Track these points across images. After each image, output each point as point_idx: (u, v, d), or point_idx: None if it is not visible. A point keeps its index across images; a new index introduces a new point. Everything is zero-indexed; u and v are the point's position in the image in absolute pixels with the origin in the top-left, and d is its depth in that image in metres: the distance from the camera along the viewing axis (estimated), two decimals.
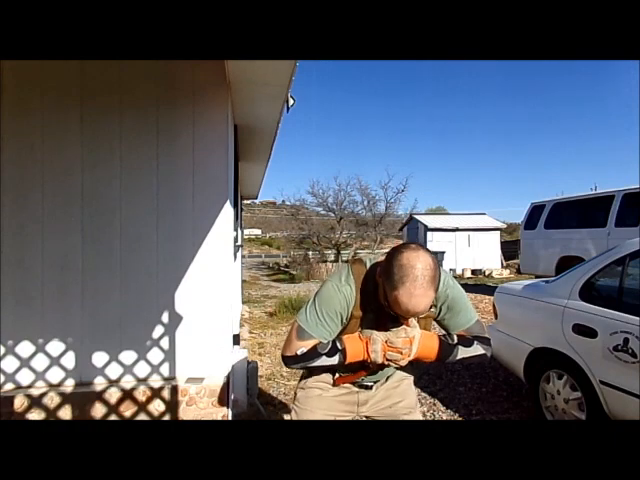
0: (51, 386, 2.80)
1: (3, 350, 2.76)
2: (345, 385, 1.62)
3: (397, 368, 1.52)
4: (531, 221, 9.49)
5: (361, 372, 1.56)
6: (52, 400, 2.73)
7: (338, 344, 1.43)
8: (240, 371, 3.24)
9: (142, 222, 2.90)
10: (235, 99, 3.25)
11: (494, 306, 3.76)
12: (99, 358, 2.85)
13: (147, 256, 2.90)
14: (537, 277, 7.88)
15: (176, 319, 2.92)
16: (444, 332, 1.56)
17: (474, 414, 3.47)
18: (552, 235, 8.84)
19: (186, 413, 2.84)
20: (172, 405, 2.83)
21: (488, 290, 9.59)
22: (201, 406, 2.85)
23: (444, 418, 3.42)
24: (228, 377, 2.95)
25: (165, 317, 2.91)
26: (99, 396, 2.77)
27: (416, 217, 19.66)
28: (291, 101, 3.52)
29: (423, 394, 3.81)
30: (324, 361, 1.43)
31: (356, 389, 1.62)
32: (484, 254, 17.86)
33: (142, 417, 2.81)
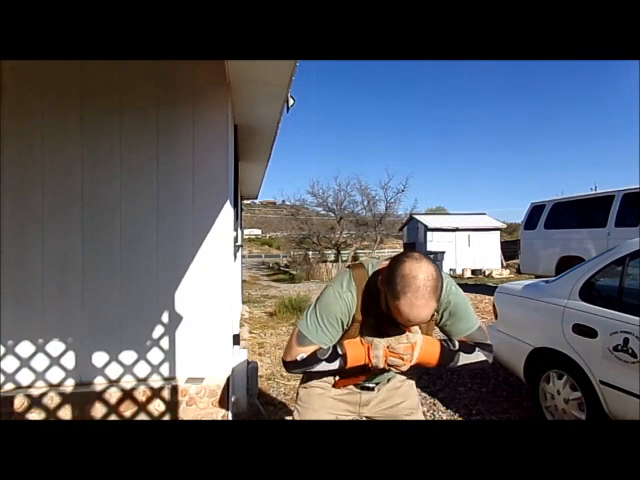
0: (51, 386, 2.80)
1: (3, 350, 2.76)
2: (347, 386, 1.62)
3: (398, 373, 1.53)
4: (531, 221, 9.48)
5: (361, 376, 1.57)
6: (52, 400, 2.73)
7: (339, 349, 1.44)
8: (240, 371, 3.24)
9: (142, 222, 2.90)
10: (235, 99, 3.25)
11: (494, 306, 3.76)
12: (99, 358, 2.85)
13: (147, 256, 2.90)
14: (537, 277, 7.88)
15: (176, 319, 2.92)
16: (446, 337, 1.56)
17: (474, 414, 3.47)
18: (552, 235, 8.84)
19: (186, 413, 2.84)
20: (172, 405, 2.83)
21: (488, 290, 9.59)
22: (201, 406, 2.85)
23: (444, 418, 3.42)
24: (228, 377, 2.95)
25: (165, 317, 2.91)
26: (99, 396, 2.77)
27: (416, 217, 19.66)
28: (291, 101, 3.52)
29: (423, 394, 3.80)
30: (324, 366, 1.44)
31: (358, 390, 1.62)
32: (484, 254, 17.87)
33: (142, 417, 2.81)
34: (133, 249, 2.89)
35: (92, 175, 2.85)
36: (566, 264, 7.10)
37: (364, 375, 1.56)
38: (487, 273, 15.64)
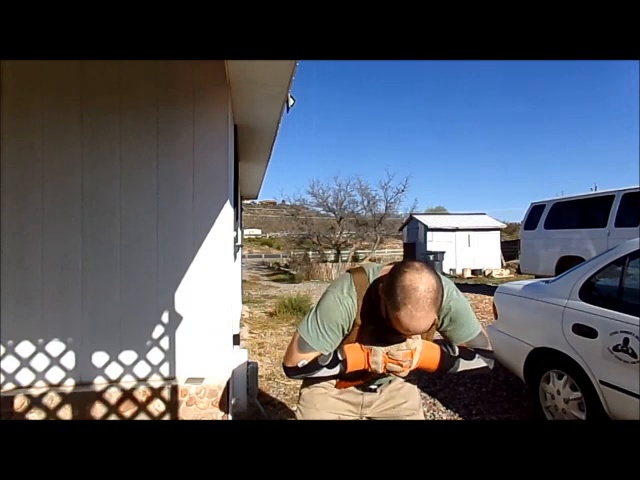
0: (51, 386, 2.80)
1: (3, 350, 2.76)
2: (348, 388, 1.63)
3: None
4: (531, 221, 9.48)
5: (361, 380, 1.57)
6: (52, 400, 2.73)
7: (339, 355, 1.44)
8: (240, 371, 3.24)
9: (142, 222, 2.90)
10: (235, 99, 3.25)
11: (494, 306, 3.76)
12: (99, 358, 2.85)
13: (147, 256, 2.90)
14: (537, 277, 7.88)
15: (176, 319, 2.92)
16: (446, 341, 1.56)
17: (474, 414, 3.47)
18: (552, 235, 8.84)
19: (186, 413, 2.84)
20: (172, 405, 2.83)
21: (488, 290, 9.59)
22: (201, 406, 2.85)
23: (444, 418, 3.42)
24: (228, 378, 2.95)
25: (165, 317, 2.91)
26: (99, 396, 2.77)
27: (416, 217, 19.66)
28: (291, 101, 3.52)
29: (423, 394, 3.80)
30: (325, 372, 1.45)
31: (360, 392, 1.63)
32: (484, 254, 17.87)
33: (142, 417, 2.81)
34: (133, 249, 2.89)
35: (92, 175, 2.85)
36: (566, 264, 7.10)
37: (364, 379, 1.57)
38: (487, 273, 15.64)
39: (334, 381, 1.62)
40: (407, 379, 1.67)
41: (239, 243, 6.48)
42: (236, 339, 3.36)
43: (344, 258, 20.32)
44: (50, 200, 2.82)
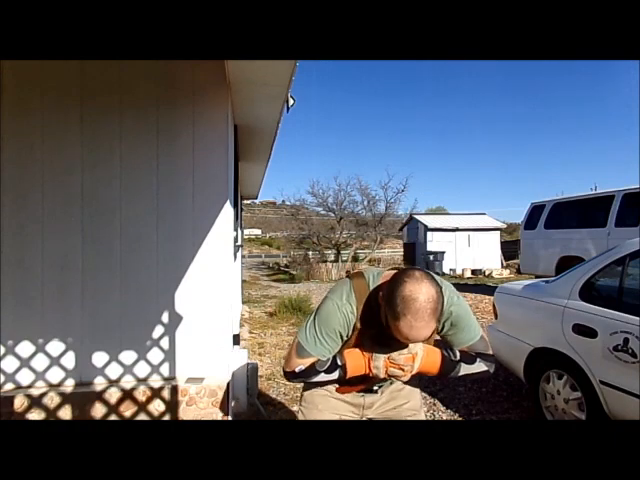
0: (51, 386, 2.80)
1: (3, 350, 2.76)
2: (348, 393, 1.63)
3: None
4: (531, 221, 9.48)
5: (361, 385, 1.57)
6: (52, 400, 2.73)
7: (338, 360, 1.45)
8: (240, 371, 3.24)
9: (142, 222, 2.90)
10: (235, 99, 3.25)
11: (494, 306, 3.76)
12: (99, 358, 2.85)
13: (147, 256, 2.90)
14: (537, 277, 7.88)
15: (176, 319, 2.92)
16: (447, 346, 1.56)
17: (474, 414, 3.47)
18: (552, 235, 8.84)
19: (186, 413, 2.84)
20: (172, 405, 2.83)
21: (488, 290, 9.59)
22: (201, 406, 2.85)
23: (444, 418, 3.42)
24: (228, 378, 2.95)
25: (165, 317, 2.91)
26: (99, 396, 2.77)
27: (416, 217, 19.66)
28: (291, 101, 3.52)
29: (423, 394, 3.80)
30: (323, 377, 1.45)
31: (361, 393, 1.63)
32: (484, 254, 17.86)
33: (142, 417, 2.81)
34: (133, 249, 2.89)
35: (92, 175, 2.85)
36: (566, 264, 7.10)
37: (364, 384, 1.57)
38: (487, 273, 15.64)
39: (335, 385, 1.62)
40: (408, 383, 1.67)
41: (239, 243, 6.48)
42: (236, 339, 3.36)
43: (344, 258, 20.32)
44: (50, 200, 2.82)
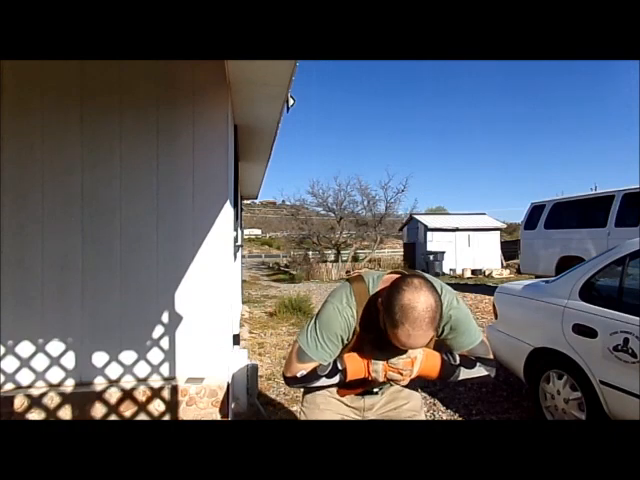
0: (51, 386, 2.80)
1: (3, 350, 2.76)
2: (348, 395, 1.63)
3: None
4: (531, 221, 9.48)
5: (361, 388, 1.57)
6: (52, 400, 2.73)
7: (339, 364, 1.45)
8: (240, 371, 3.24)
9: (142, 222, 2.90)
10: (235, 99, 3.25)
11: (494, 306, 3.76)
12: (99, 358, 2.85)
13: (147, 256, 2.90)
14: (537, 277, 7.87)
15: (176, 319, 2.92)
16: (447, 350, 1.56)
17: (474, 414, 3.47)
18: (552, 235, 8.84)
19: (186, 413, 2.84)
20: (172, 405, 2.83)
21: (488, 290, 9.59)
22: (201, 406, 2.85)
23: (444, 418, 3.42)
24: (228, 378, 2.95)
25: (165, 317, 2.91)
26: (99, 396, 2.77)
27: (416, 217, 19.66)
28: (291, 101, 3.52)
29: (423, 394, 3.80)
30: (324, 382, 1.46)
31: (360, 396, 1.63)
32: (484, 254, 17.87)
33: (142, 417, 2.81)
34: (133, 249, 2.89)
35: (92, 175, 2.85)
36: (566, 264, 7.10)
37: (364, 387, 1.57)
38: (487, 273, 15.64)
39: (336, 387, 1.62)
40: (408, 386, 1.67)
41: (239, 243, 6.48)
42: (236, 339, 3.36)
43: (344, 258, 20.33)
44: (50, 200, 2.82)
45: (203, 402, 2.85)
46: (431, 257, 16.68)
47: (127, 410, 2.80)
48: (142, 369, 2.89)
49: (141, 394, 2.81)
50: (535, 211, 9.41)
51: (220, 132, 2.96)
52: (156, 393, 2.83)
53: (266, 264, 28.31)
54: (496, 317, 3.73)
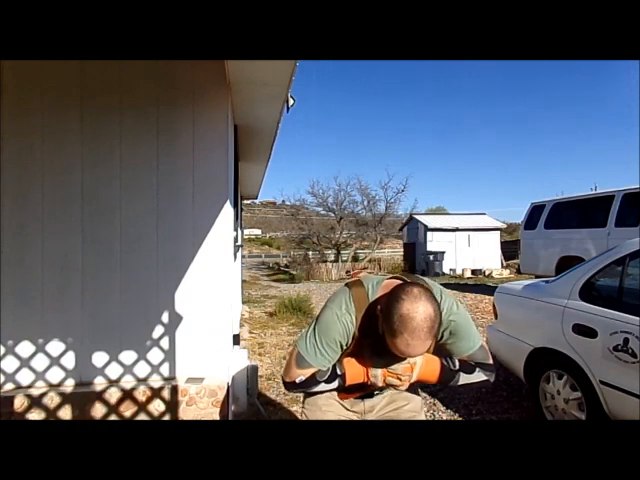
0: (51, 386, 2.80)
1: (3, 350, 2.76)
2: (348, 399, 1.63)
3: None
4: (531, 221, 9.48)
5: (360, 392, 1.58)
6: (52, 400, 2.73)
7: (338, 369, 1.45)
8: (240, 371, 3.24)
9: (142, 222, 2.90)
10: (235, 99, 3.25)
11: (494, 306, 3.76)
12: (99, 358, 2.85)
13: (147, 256, 2.90)
14: (537, 277, 7.87)
15: (176, 319, 2.92)
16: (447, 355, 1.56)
17: (474, 414, 3.47)
18: (552, 235, 8.84)
19: (186, 413, 2.84)
20: (172, 405, 2.83)
21: (488, 290, 9.59)
22: (201, 406, 2.85)
23: (444, 418, 3.42)
24: (228, 378, 2.96)
25: (165, 317, 2.91)
26: (99, 396, 2.77)
27: (416, 217, 19.66)
28: (291, 101, 3.52)
29: (423, 394, 3.81)
30: (323, 387, 1.46)
31: (359, 399, 1.63)
32: (484, 254, 17.86)
33: (142, 417, 2.81)
34: (133, 249, 2.89)
35: (92, 175, 2.85)
36: (566, 264, 7.09)
37: (363, 391, 1.57)
38: (487, 273, 15.63)
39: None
40: (407, 389, 1.67)
41: (239, 243, 6.48)
42: (236, 339, 3.36)
43: (344, 258, 20.33)
44: (50, 200, 2.82)
45: (203, 402, 2.85)
46: (431, 257, 16.68)
47: (127, 410, 2.80)
48: (142, 369, 2.89)
49: (141, 394, 2.81)
50: (535, 211, 9.41)
51: (220, 132, 2.96)
52: (156, 393, 2.83)
53: (266, 264, 28.32)
54: (496, 317, 3.73)
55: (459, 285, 12.03)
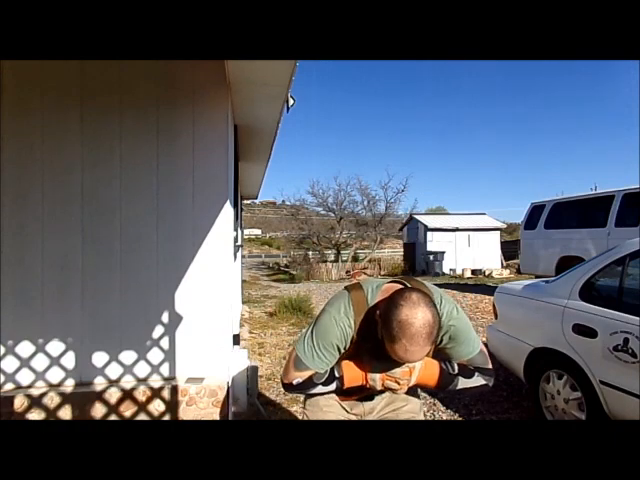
0: (51, 386, 2.80)
1: (3, 350, 2.76)
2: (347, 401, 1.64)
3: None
4: (531, 221, 9.48)
5: (359, 394, 1.58)
6: (52, 400, 2.73)
7: (336, 372, 1.46)
8: (240, 371, 3.24)
9: (142, 222, 2.90)
10: (235, 99, 3.25)
11: (494, 306, 3.76)
12: (99, 358, 2.85)
13: (147, 256, 2.90)
14: (537, 277, 7.87)
15: (176, 319, 2.92)
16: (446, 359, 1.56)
17: (474, 414, 3.47)
18: (552, 235, 8.83)
19: (186, 413, 2.84)
20: (172, 405, 2.83)
21: (488, 290, 9.58)
22: (201, 406, 2.85)
23: (444, 418, 3.42)
24: (228, 378, 2.96)
25: (165, 317, 2.91)
26: (99, 396, 2.77)
27: (416, 217, 19.67)
28: (291, 101, 3.52)
29: (423, 394, 3.80)
30: (321, 389, 1.47)
31: (359, 402, 1.63)
32: (484, 254, 17.87)
33: (142, 417, 2.81)
34: (133, 249, 2.89)
35: (92, 175, 2.85)
36: (566, 264, 7.09)
37: (362, 394, 1.57)
38: (487, 273, 15.63)
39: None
40: (406, 392, 1.67)
41: (239, 243, 6.48)
42: (236, 339, 3.36)
43: (344, 258, 20.34)
44: (50, 200, 2.82)
45: (203, 402, 2.85)
46: (431, 257, 16.69)
47: (127, 410, 2.80)
48: (142, 369, 2.89)
49: (141, 394, 2.81)
50: (535, 211, 9.41)
51: (220, 132, 2.96)
52: (156, 393, 2.83)
53: (266, 264, 28.32)
54: (496, 317, 3.73)
55: (459, 285, 12.03)
